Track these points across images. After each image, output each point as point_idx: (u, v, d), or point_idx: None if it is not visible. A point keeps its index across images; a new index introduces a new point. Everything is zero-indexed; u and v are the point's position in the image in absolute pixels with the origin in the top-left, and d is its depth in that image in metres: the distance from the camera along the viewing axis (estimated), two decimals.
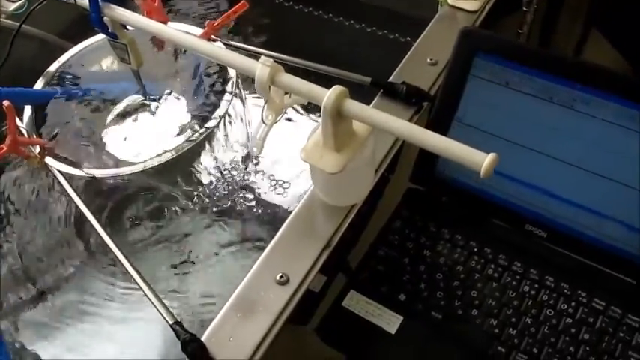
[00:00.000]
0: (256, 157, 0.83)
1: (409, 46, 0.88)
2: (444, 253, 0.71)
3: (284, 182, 0.81)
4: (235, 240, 0.77)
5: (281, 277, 0.61)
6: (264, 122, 0.63)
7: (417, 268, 0.70)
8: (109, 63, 0.90)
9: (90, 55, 0.91)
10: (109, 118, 0.85)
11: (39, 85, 0.88)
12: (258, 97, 0.95)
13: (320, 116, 0.56)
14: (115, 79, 0.89)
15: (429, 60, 0.81)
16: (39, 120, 0.84)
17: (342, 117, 0.56)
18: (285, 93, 0.64)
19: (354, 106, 0.55)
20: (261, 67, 0.58)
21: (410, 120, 0.75)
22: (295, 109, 0.89)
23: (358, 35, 1.02)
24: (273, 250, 0.64)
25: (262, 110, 0.62)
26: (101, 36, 0.89)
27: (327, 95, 0.55)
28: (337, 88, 0.55)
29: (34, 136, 0.81)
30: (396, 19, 1.04)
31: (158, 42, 0.87)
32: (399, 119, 0.54)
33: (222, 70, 0.86)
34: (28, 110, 0.85)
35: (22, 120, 0.83)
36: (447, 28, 0.86)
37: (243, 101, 0.88)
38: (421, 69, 0.80)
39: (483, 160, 0.49)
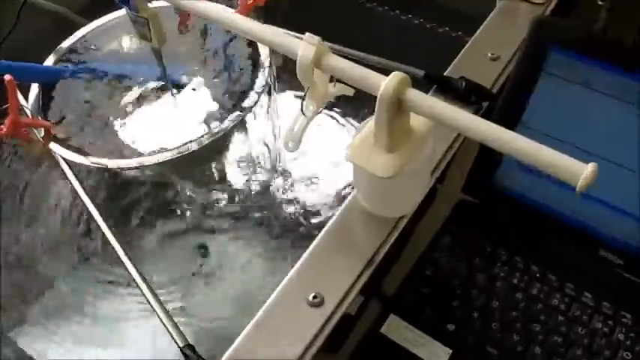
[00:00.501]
0: (290, 154, 0.74)
1: (460, 40, 0.80)
2: (501, 278, 0.61)
3: (319, 184, 0.72)
4: (260, 249, 0.67)
5: (314, 297, 0.52)
6: (303, 113, 0.54)
7: (469, 294, 0.60)
8: (127, 42, 0.81)
9: (107, 33, 0.82)
10: (125, 102, 0.76)
11: (49, 62, 0.79)
12: (293, 88, 0.86)
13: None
14: (134, 60, 0.80)
15: (489, 55, 0.72)
16: (46, 101, 0.75)
17: (401, 110, 0.47)
18: (330, 81, 0.54)
19: (417, 97, 0.46)
20: (304, 47, 0.49)
21: None
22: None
23: (404, 26, 0.93)
24: (305, 264, 0.55)
25: (302, 99, 0.53)
26: (120, 12, 0.81)
27: (384, 83, 0.46)
28: (398, 75, 0.46)
29: (39, 119, 0.72)
30: (445, 11, 0.95)
31: (183, 21, 0.78)
32: (477, 117, 0.45)
33: (254, 54, 0.77)
34: (34, 89, 0.76)
35: (27, 100, 0.74)
36: (509, 20, 0.77)
37: (276, 91, 0.78)
38: (481, 64, 0.71)
39: (582, 172, 0.39)
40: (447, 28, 0.91)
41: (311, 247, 0.56)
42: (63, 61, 0.79)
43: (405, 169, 0.49)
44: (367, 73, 0.48)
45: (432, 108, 0.45)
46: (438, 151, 0.62)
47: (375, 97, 0.47)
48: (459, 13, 0.94)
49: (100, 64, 0.79)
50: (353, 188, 0.59)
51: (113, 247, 0.57)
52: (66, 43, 0.81)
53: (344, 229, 0.57)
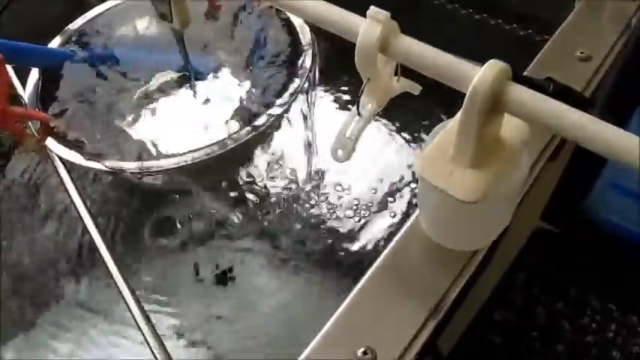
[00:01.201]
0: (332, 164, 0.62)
1: (530, 39, 0.70)
2: (593, 330, 0.48)
3: (367, 203, 0.59)
4: (293, 282, 0.55)
5: (365, 353, 0.40)
6: (359, 113, 0.42)
7: (552, 348, 0.48)
8: (145, 26, 0.70)
9: (123, 15, 0.71)
10: (139, 95, 0.64)
11: (54, 44, 0.68)
12: (333, 89, 0.74)
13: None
14: (152, 47, 0.68)
15: (578, 53, 0.59)
16: (48, 90, 0.64)
17: (496, 110, 0.35)
18: (395, 74, 0.43)
19: (522, 94, 0.34)
20: (368, 24, 0.37)
21: (553, 136, 0.53)
22: None
23: (465, 23, 0.81)
24: (353, 308, 0.43)
25: (359, 96, 0.41)
26: None
27: (479, 73, 0.33)
28: (497, 64, 0.34)
29: (37, 109, 0.61)
30: (511, 9, 0.83)
31: (213, 2, 0.67)
32: (600, 120, 0.32)
33: (293, 45, 0.65)
34: (34, 75, 0.65)
35: (24, 87, 0.63)
36: (595, 17, 0.65)
37: (316, 89, 0.66)
38: (568, 65, 0.59)
39: None
40: (514, 26, 0.79)
41: (359, 285, 0.43)
42: (70, 44, 0.68)
43: (493, 191, 0.37)
44: (454, 60, 0.36)
45: (545, 112, 0.33)
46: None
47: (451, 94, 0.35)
48: (526, 10, 0.82)
49: (113, 50, 0.68)
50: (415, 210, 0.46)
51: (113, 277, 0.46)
52: (74, 25, 0.70)
53: (402, 264, 0.45)
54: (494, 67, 0.34)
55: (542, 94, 0.34)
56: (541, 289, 0.52)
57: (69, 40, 0.69)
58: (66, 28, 0.70)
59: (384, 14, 0.37)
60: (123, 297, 0.45)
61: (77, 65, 0.65)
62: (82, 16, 0.71)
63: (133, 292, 0.45)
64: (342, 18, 0.39)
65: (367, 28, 0.37)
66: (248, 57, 0.67)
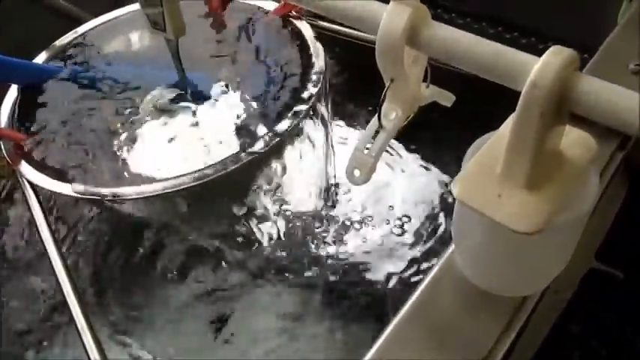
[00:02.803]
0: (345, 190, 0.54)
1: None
2: None
3: (388, 234, 0.51)
4: (302, 328, 0.46)
5: None
6: (380, 125, 0.34)
7: None
8: (137, 42, 0.63)
9: (113, 30, 0.65)
10: (128, 114, 0.57)
11: (40, 59, 0.62)
12: (346, 106, 0.66)
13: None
14: (145, 62, 0.61)
15: (631, 67, 0.51)
16: (28, 108, 0.57)
17: (560, 114, 0.27)
18: (424, 80, 0.35)
19: (593, 84, 0.26)
20: (394, 8, 0.29)
21: (610, 159, 0.45)
22: None
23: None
24: None
25: (381, 103, 0.33)
26: (130, 8, 0.64)
27: (539, 64, 0.26)
28: (560, 51, 0.26)
29: (12, 129, 0.54)
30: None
31: (216, 11, 0.61)
32: None
33: (304, 58, 0.58)
34: (13, 92, 0.58)
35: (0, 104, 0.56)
36: None
37: (327, 107, 0.58)
38: (620, 79, 0.50)
39: None
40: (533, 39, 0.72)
41: (382, 338, 0.35)
42: (57, 60, 0.62)
43: (556, 219, 0.29)
44: (504, 49, 0.28)
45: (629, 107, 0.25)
46: None
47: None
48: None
49: (103, 67, 0.61)
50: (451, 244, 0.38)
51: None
52: (63, 40, 0.64)
53: (433, 313, 0.36)
54: (558, 54, 0.26)
55: (625, 88, 0.26)
56: (600, 342, 0.43)
57: (56, 56, 0.62)
58: (53, 43, 0.64)
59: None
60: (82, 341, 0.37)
61: (63, 82, 0.59)
62: (73, 31, 0.65)
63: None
64: (360, 6, 0.32)
65: (392, 14, 0.30)
66: (252, 72, 0.59)
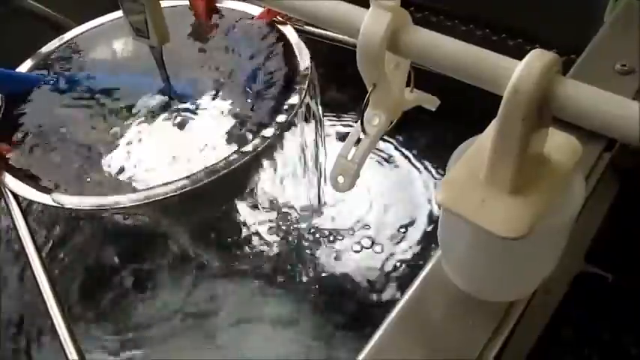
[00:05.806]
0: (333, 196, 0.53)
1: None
2: None
3: (374, 240, 0.51)
4: (291, 339, 0.46)
5: None
6: (363, 130, 0.34)
7: None
8: (122, 48, 0.63)
9: (98, 38, 0.65)
10: (114, 122, 0.56)
11: (23, 68, 0.61)
12: (337, 114, 0.66)
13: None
14: (130, 70, 0.61)
15: (618, 66, 0.51)
16: (12, 118, 0.56)
17: (542, 117, 0.27)
18: (407, 85, 0.35)
19: (582, 91, 0.25)
20: (373, 13, 0.29)
21: (597, 161, 0.45)
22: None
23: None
24: None
25: (364, 109, 0.33)
26: (115, 15, 0.64)
27: (520, 67, 0.25)
28: (542, 54, 0.26)
29: None
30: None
31: (202, 15, 0.60)
32: None
33: (290, 62, 0.57)
34: None
35: None
36: (631, 27, 0.57)
37: (316, 113, 0.58)
38: (607, 80, 0.51)
39: None
40: (519, 40, 0.72)
41: (372, 340, 0.35)
42: (41, 68, 0.61)
43: (541, 223, 0.28)
44: (485, 54, 0.27)
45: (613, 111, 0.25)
46: None
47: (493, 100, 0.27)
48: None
49: (88, 75, 0.61)
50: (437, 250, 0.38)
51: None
52: (48, 47, 0.63)
53: (420, 319, 0.36)
54: (539, 58, 0.25)
55: (607, 92, 0.26)
56: (590, 348, 0.43)
57: (40, 64, 0.62)
58: (38, 51, 0.63)
59: (394, 1, 0.29)
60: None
61: (47, 90, 0.58)
62: (59, 38, 0.65)
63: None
64: (340, 11, 0.32)
65: (372, 19, 0.29)
66: (238, 79, 0.59)
